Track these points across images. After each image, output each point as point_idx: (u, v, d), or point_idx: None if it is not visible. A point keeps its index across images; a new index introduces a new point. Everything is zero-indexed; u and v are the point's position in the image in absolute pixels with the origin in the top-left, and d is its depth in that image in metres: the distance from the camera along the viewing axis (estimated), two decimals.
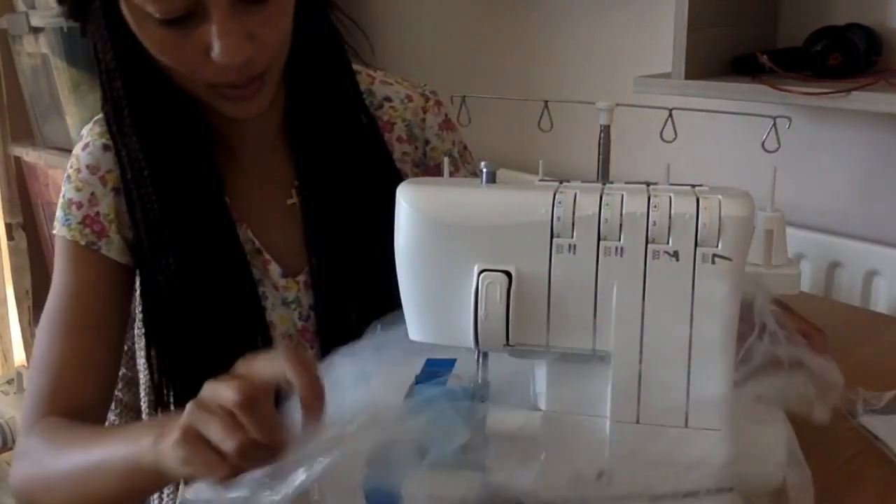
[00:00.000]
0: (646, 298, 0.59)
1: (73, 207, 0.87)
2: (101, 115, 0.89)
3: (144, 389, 0.99)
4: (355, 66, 0.94)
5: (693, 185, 0.63)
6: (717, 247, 0.58)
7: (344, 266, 0.86)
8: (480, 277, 0.61)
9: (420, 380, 0.74)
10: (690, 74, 1.40)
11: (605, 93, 1.94)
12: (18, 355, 2.16)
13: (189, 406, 0.62)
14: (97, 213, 0.87)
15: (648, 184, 0.63)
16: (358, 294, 0.87)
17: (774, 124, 0.65)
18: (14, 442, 1.95)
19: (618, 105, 0.67)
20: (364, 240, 0.86)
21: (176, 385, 0.89)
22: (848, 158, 1.52)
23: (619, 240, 0.59)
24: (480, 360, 0.65)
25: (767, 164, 0.68)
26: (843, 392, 0.93)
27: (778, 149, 0.63)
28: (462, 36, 2.25)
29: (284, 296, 0.90)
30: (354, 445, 0.62)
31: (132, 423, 0.81)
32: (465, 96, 0.72)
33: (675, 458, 0.61)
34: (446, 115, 0.96)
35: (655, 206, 0.59)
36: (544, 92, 2.06)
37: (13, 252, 2.07)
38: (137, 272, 0.89)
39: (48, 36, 1.72)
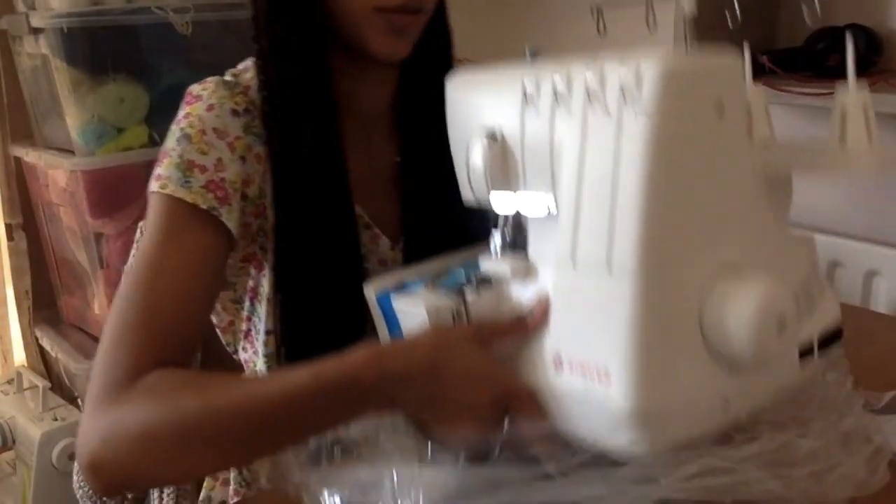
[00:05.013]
0: (585, 152, 0.64)
1: (196, 170, 0.83)
2: (218, 78, 0.91)
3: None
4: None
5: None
6: (638, 104, 0.60)
7: (436, 236, 0.88)
8: (474, 137, 0.72)
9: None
10: None
11: None
12: (18, 355, 2.15)
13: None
14: (222, 179, 0.84)
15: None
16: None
17: None
18: (14, 442, 1.93)
19: None
20: (455, 217, 0.87)
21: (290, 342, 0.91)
22: None
23: (570, 99, 0.65)
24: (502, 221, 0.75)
25: None
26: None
27: None
28: (462, 36, 2.25)
29: (392, 270, 0.89)
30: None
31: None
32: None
33: (594, 314, 0.64)
34: None
35: (597, 70, 0.63)
36: None
37: (13, 253, 2.06)
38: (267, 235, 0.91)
39: (48, 36, 1.71)
